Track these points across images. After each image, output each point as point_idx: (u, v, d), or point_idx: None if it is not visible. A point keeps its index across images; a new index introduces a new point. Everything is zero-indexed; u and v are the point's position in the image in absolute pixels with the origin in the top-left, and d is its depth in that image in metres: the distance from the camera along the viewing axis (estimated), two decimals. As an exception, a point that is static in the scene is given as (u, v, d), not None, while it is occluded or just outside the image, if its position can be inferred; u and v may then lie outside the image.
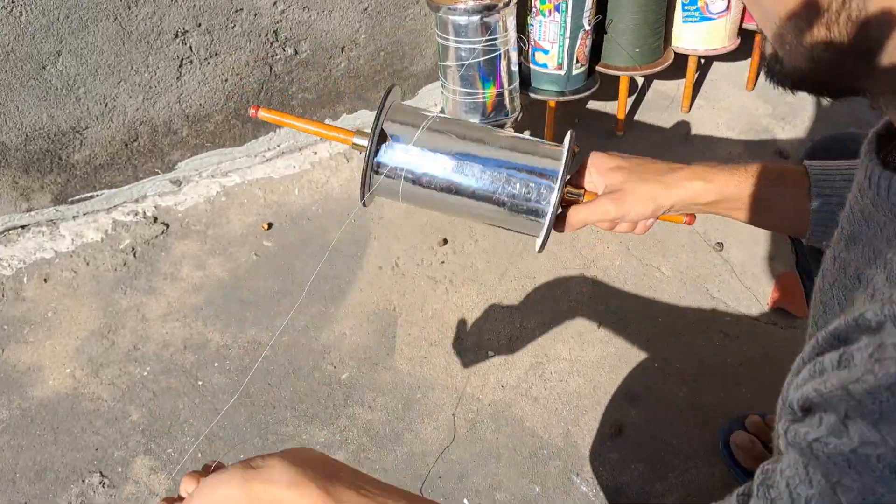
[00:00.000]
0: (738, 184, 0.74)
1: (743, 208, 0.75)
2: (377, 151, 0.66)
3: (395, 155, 0.67)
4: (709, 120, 1.80)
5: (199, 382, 1.27)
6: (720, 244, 1.52)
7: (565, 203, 0.73)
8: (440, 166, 0.67)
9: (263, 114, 0.68)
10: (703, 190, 0.75)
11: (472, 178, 0.68)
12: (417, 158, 0.67)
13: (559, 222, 0.74)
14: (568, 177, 0.70)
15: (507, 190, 0.68)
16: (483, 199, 0.69)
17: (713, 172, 0.75)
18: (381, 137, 0.67)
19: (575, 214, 0.74)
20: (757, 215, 0.76)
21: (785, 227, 0.80)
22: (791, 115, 1.80)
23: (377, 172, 0.68)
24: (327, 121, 1.57)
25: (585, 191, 0.75)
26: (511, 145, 0.70)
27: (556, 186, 0.67)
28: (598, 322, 1.39)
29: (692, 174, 0.75)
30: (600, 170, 0.76)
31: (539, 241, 0.71)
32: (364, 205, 0.70)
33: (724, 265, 1.49)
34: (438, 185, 0.68)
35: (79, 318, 1.32)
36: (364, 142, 0.67)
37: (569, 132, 0.73)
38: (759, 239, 1.54)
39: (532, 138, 0.74)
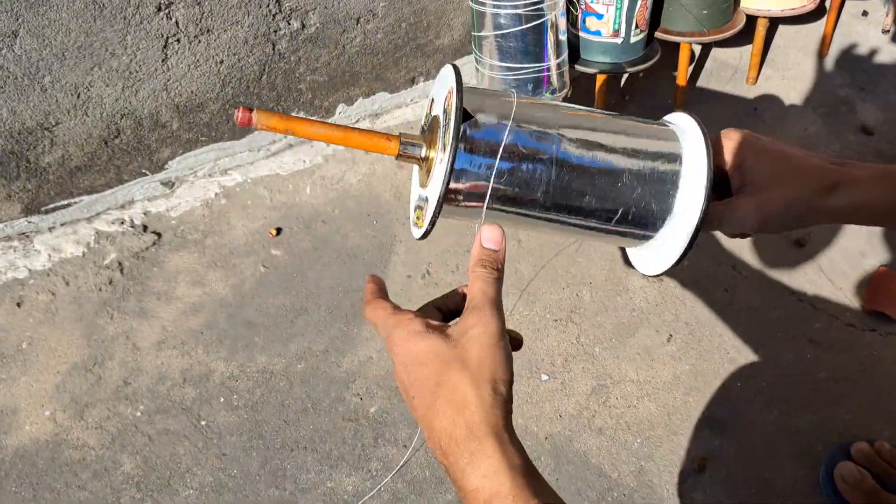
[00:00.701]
0: None
1: None
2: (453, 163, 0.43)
3: (480, 164, 0.45)
4: (779, 91, 1.58)
5: (203, 422, 1.08)
6: (803, 239, 1.31)
7: None
8: (548, 179, 0.46)
9: (260, 119, 0.43)
10: (884, 193, 0.53)
11: (598, 189, 0.47)
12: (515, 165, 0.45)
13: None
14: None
15: (635, 195, 0.47)
16: (600, 214, 0.48)
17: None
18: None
19: (710, 219, 0.53)
20: None
21: None
22: (872, 84, 1.58)
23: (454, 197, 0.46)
24: (341, 108, 1.36)
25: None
26: (628, 130, 0.49)
27: (703, 190, 0.46)
28: (668, 335, 1.19)
29: (873, 173, 0.53)
30: (737, 155, 0.55)
31: (669, 263, 0.50)
32: (425, 236, 0.48)
33: (808, 262, 1.29)
34: (548, 201, 0.46)
35: (58, 350, 1.12)
36: (417, 150, 0.46)
37: (685, 115, 0.52)
38: (847, 231, 1.33)
39: (645, 121, 0.52)
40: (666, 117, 0.54)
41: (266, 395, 1.10)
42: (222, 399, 1.10)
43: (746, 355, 1.18)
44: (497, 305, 0.43)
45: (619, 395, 1.13)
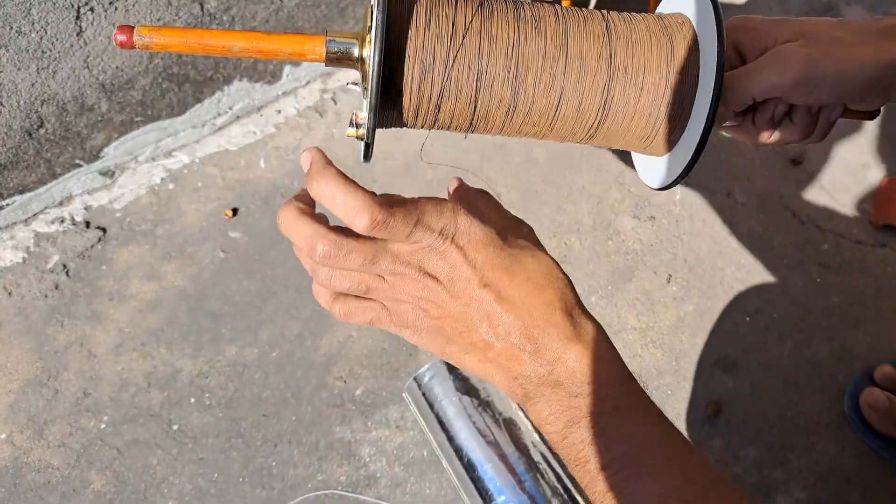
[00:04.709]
0: None
1: None
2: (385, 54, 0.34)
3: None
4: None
5: (175, 427, 0.99)
6: (799, 156, 1.22)
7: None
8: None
9: (143, 37, 0.34)
10: None
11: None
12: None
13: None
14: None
15: None
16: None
17: None
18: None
19: (732, 80, 0.42)
20: None
21: None
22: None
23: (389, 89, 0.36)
24: (287, 70, 1.24)
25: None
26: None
27: (716, 44, 0.36)
28: (667, 275, 1.10)
29: None
30: (754, 31, 0.44)
31: (675, 174, 0.41)
32: (368, 156, 0.38)
33: (808, 181, 1.20)
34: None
35: (8, 367, 1.02)
36: (348, 47, 0.36)
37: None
38: (845, 143, 1.24)
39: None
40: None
41: (240, 389, 1.01)
42: (193, 399, 1.00)
43: (752, 288, 1.09)
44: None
45: (621, 344, 1.05)
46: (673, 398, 1.01)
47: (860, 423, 0.99)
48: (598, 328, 0.36)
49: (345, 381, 1.02)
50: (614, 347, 0.37)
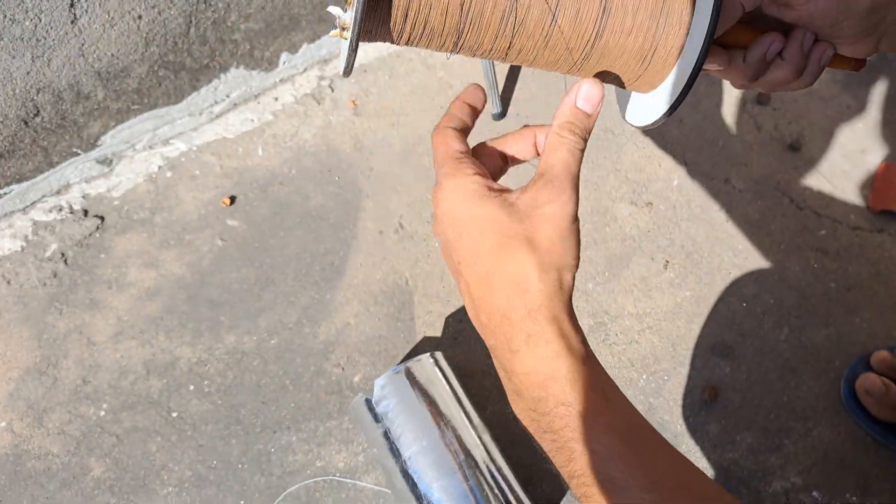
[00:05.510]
0: None
1: None
2: None
3: None
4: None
5: (174, 414, 0.99)
6: (797, 142, 1.21)
7: None
8: None
9: None
10: None
11: None
12: None
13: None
14: None
15: None
16: None
17: None
18: None
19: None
20: None
21: None
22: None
23: None
24: (284, 57, 1.24)
25: None
26: None
27: None
28: (664, 261, 1.11)
29: None
30: None
31: (658, 114, 0.40)
32: (347, 70, 0.37)
33: (806, 167, 1.20)
34: None
35: (7, 355, 1.03)
36: None
37: None
38: (844, 128, 1.24)
39: None
40: None
41: (239, 376, 1.02)
42: (192, 387, 1.01)
43: (749, 273, 1.10)
44: (576, 181, 0.37)
45: (618, 331, 1.05)
46: (669, 383, 1.02)
47: (856, 409, 0.99)
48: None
49: (343, 369, 1.03)
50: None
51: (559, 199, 0.36)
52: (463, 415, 0.88)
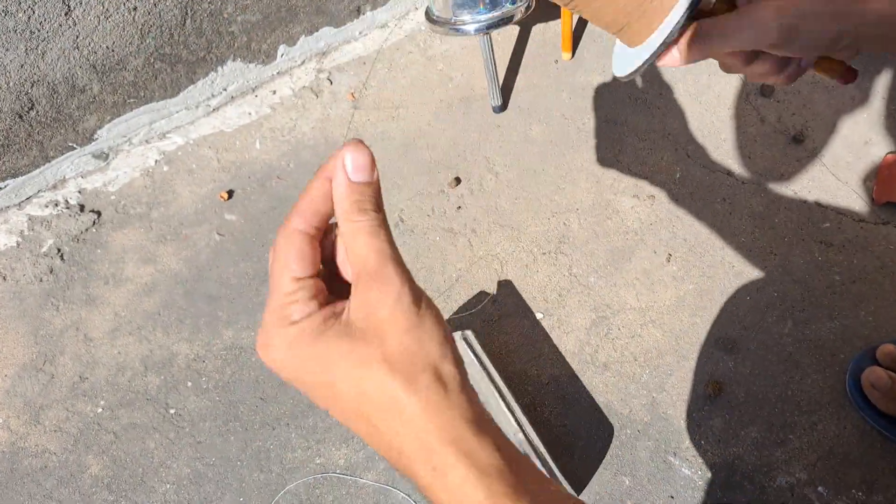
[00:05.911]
0: None
1: None
2: None
3: None
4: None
5: (172, 411, 0.98)
6: (801, 134, 1.20)
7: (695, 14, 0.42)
8: None
9: None
10: None
11: None
12: None
13: (673, 47, 0.43)
14: None
15: None
16: None
17: None
18: None
19: (712, 29, 0.42)
20: None
21: None
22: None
23: None
24: (282, 50, 1.22)
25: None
26: None
27: None
28: (666, 254, 1.09)
29: None
30: None
31: (634, 67, 0.42)
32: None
33: (810, 159, 1.18)
34: None
35: (3, 351, 1.02)
36: None
37: None
38: (847, 120, 1.22)
39: None
40: None
41: (237, 372, 1.01)
42: (190, 383, 1.00)
43: (753, 266, 1.08)
44: (398, 261, 0.32)
45: (620, 325, 1.04)
46: (673, 378, 1.00)
47: (862, 402, 0.98)
48: None
49: (342, 364, 1.02)
50: None
51: (389, 292, 0.31)
52: (496, 393, 0.88)
